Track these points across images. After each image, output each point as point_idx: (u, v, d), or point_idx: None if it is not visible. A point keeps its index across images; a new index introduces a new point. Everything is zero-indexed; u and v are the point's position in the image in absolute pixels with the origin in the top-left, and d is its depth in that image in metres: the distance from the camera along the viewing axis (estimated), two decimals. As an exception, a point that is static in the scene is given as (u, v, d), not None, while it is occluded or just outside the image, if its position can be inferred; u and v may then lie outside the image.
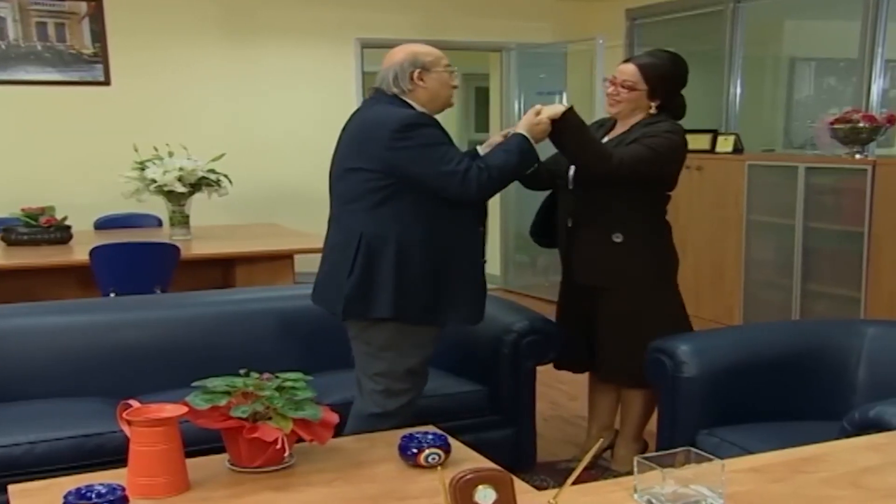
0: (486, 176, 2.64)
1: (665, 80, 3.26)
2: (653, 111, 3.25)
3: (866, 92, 5.36)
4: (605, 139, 3.33)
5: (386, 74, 2.73)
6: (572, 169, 3.28)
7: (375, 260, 2.64)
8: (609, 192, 3.20)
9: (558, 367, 3.55)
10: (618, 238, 3.23)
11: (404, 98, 2.72)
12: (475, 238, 2.78)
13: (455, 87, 2.81)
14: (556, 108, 2.95)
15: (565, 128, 2.96)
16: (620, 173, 3.09)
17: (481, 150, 2.89)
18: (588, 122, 3.63)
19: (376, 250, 2.64)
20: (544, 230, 3.52)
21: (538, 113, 2.88)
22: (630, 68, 3.26)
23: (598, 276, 3.29)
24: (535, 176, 3.20)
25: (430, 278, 2.67)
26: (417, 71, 2.70)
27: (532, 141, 2.80)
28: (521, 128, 2.84)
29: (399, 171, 2.62)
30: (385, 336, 2.70)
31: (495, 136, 2.99)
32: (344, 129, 2.82)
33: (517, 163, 2.76)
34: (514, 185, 3.11)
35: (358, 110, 2.85)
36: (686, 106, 3.38)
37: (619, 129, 3.32)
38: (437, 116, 2.76)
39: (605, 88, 3.31)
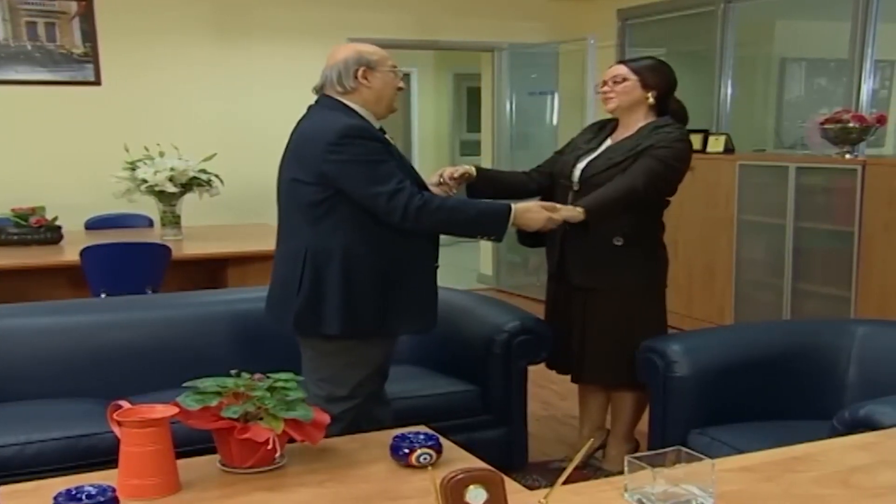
0: (418, 205, 2.51)
1: (654, 71, 3.29)
2: (651, 102, 3.26)
3: (856, 92, 5.38)
4: (608, 142, 3.34)
5: (329, 74, 2.63)
6: (578, 170, 3.28)
7: (322, 275, 2.56)
8: None
9: (549, 365, 3.55)
10: (618, 241, 3.22)
11: (346, 101, 2.61)
12: (425, 244, 2.67)
13: (400, 88, 2.69)
14: (574, 213, 2.99)
15: (597, 222, 3.06)
16: (648, 195, 3.16)
17: (429, 184, 2.82)
18: (581, 125, 3.65)
19: (322, 265, 2.56)
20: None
21: (553, 209, 2.86)
22: (617, 66, 3.34)
23: (596, 278, 3.27)
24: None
25: (379, 290, 2.58)
26: (362, 69, 2.59)
27: (511, 221, 2.68)
28: (520, 205, 2.73)
29: (333, 184, 2.52)
30: (331, 347, 2.65)
31: (433, 177, 2.97)
32: (290, 135, 2.70)
33: (466, 220, 2.65)
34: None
35: (303, 117, 2.71)
36: (686, 110, 3.38)
37: (623, 132, 3.31)
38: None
39: (598, 91, 3.35)
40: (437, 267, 2.74)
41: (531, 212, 2.75)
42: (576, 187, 3.27)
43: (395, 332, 2.71)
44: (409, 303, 2.65)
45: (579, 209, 3.03)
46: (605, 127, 3.43)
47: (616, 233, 3.22)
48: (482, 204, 2.72)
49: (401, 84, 2.70)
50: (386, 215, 2.52)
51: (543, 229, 2.83)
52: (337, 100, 2.63)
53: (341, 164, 2.51)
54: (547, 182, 3.43)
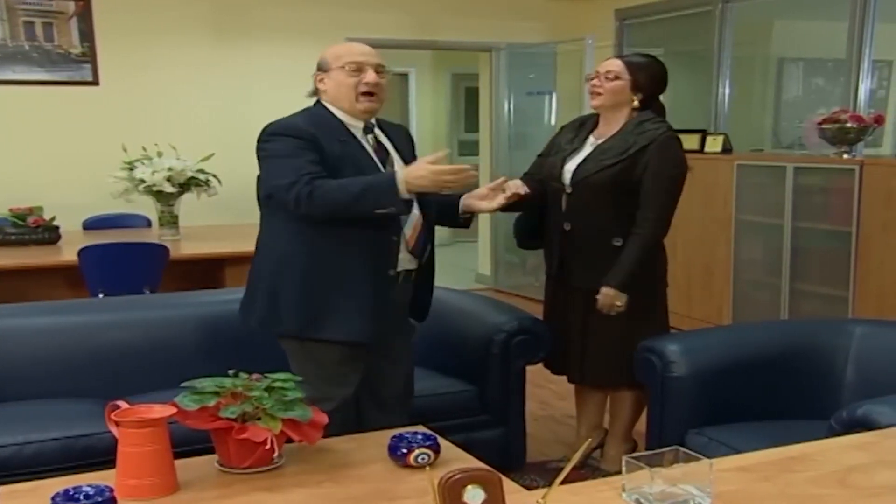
0: (308, 191, 2.44)
1: (647, 72, 3.28)
2: (635, 104, 3.26)
3: (854, 92, 5.39)
4: (591, 140, 3.32)
5: None
6: (568, 173, 3.27)
7: (258, 271, 2.67)
8: (609, 197, 3.20)
9: (548, 366, 3.55)
10: (618, 242, 3.22)
11: (323, 101, 2.66)
12: (372, 249, 2.57)
13: (366, 83, 2.56)
14: (617, 302, 3.17)
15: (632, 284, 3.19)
16: (668, 225, 3.25)
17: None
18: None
19: (260, 261, 2.66)
20: (531, 233, 3.52)
21: (616, 297, 3.12)
22: (613, 61, 3.32)
23: (597, 279, 3.25)
24: (525, 232, 3.44)
25: (307, 294, 2.56)
26: (318, 73, 2.65)
27: (401, 186, 2.43)
28: (407, 167, 2.51)
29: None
30: (287, 346, 2.69)
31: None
32: None
33: (356, 195, 2.45)
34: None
35: None
36: (665, 111, 3.39)
37: (606, 128, 3.29)
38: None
39: (588, 83, 3.32)
40: (391, 276, 2.61)
41: (418, 169, 2.48)
42: (568, 190, 3.27)
43: (325, 338, 2.59)
44: (342, 311, 2.56)
45: (621, 297, 3.16)
46: (585, 124, 3.41)
47: (615, 234, 3.22)
48: (368, 176, 2.54)
49: (367, 79, 2.57)
50: (286, 206, 2.49)
51: (435, 188, 2.51)
52: (318, 101, 2.68)
53: (261, 160, 2.59)
54: (540, 187, 3.43)
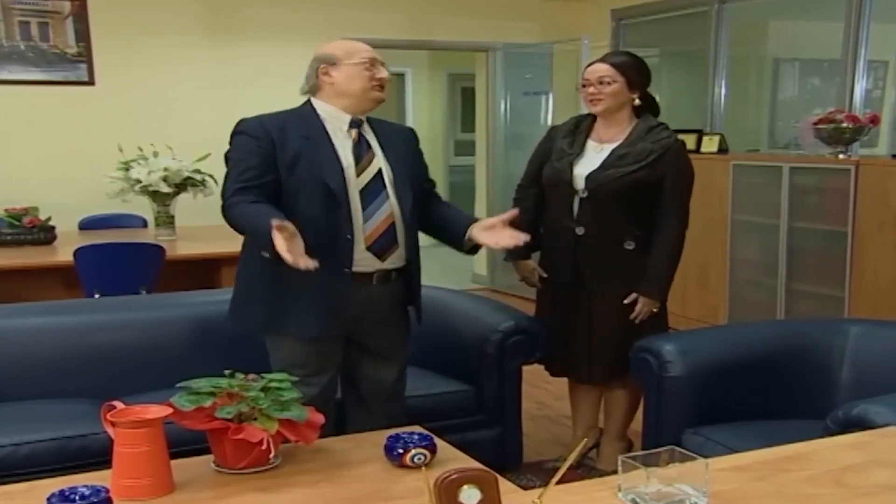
0: (223, 205, 2.55)
1: (637, 70, 3.27)
2: (637, 103, 3.26)
3: (850, 92, 5.40)
4: (592, 143, 3.30)
5: (305, 76, 2.70)
6: (580, 178, 3.24)
7: (238, 269, 2.77)
8: (625, 201, 3.19)
9: (547, 367, 3.54)
10: (630, 245, 3.23)
11: (314, 99, 2.66)
12: (325, 247, 2.48)
13: (379, 78, 2.63)
14: (652, 306, 3.25)
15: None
16: (688, 218, 3.33)
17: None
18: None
19: (241, 258, 2.74)
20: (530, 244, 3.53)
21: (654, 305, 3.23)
22: (602, 65, 3.26)
23: (611, 282, 3.26)
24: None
25: (270, 288, 2.60)
26: (323, 66, 2.63)
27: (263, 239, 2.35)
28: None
29: None
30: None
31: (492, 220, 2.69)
32: None
33: (247, 232, 2.57)
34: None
35: None
36: (657, 103, 3.39)
37: (607, 131, 3.27)
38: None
39: (582, 92, 3.27)
40: (347, 273, 2.57)
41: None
42: (583, 194, 3.24)
43: (284, 332, 2.63)
44: (301, 306, 2.58)
45: (655, 302, 3.24)
46: (580, 126, 3.38)
47: (627, 237, 3.22)
48: (256, 220, 2.45)
49: (379, 74, 2.63)
50: None
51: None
52: (307, 100, 2.68)
53: (226, 158, 2.65)
54: (539, 196, 3.42)
